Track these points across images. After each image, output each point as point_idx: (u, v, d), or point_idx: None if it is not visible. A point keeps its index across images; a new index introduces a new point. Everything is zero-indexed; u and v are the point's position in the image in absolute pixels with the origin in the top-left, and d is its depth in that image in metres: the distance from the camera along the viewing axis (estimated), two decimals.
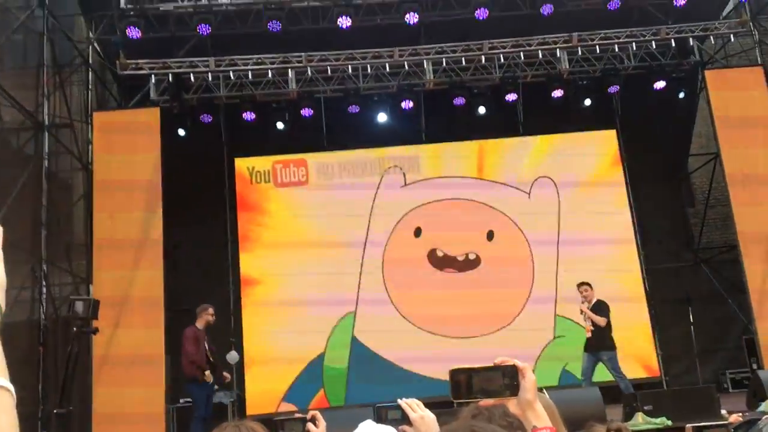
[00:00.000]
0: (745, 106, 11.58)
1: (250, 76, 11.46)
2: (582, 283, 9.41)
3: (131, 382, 10.31)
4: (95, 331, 2.18)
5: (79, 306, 2.43)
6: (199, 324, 9.09)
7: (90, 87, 12.21)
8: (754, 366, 11.31)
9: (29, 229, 10.52)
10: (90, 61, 12.06)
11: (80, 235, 11.95)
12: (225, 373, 9.20)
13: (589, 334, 9.08)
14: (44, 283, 10.61)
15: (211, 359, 9.04)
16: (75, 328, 2.40)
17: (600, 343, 9.04)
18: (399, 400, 2.45)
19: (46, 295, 10.63)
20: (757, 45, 12.35)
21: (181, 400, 11.12)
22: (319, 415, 2.77)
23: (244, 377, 11.35)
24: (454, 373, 1.67)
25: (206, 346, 9.05)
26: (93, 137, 11.54)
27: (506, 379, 1.65)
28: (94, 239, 11.00)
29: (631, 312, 11.88)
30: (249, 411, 11.07)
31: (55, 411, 2.14)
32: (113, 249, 10.82)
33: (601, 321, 9.01)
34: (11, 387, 1.26)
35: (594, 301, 9.27)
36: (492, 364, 1.67)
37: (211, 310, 9.12)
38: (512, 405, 1.66)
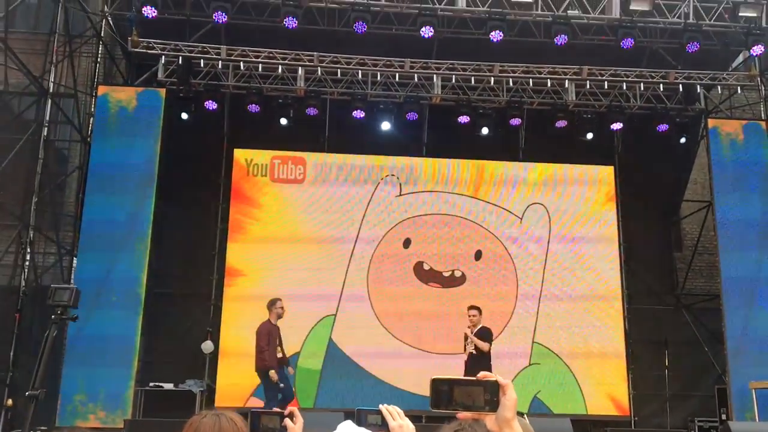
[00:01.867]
0: (744, 159, 11.72)
1: (259, 69, 11.48)
2: (471, 307, 9.63)
3: (102, 362, 10.26)
4: (75, 318, 2.20)
5: (62, 294, 2.43)
6: (272, 318, 9.38)
7: (98, 60, 12.20)
8: (723, 416, 11.39)
9: (21, 194, 10.48)
10: (102, 35, 12.04)
11: (70, 207, 11.90)
12: (289, 368, 9.71)
13: (467, 357, 9.26)
14: (29, 250, 10.56)
15: (281, 354, 9.41)
16: (53, 315, 2.39)
17: (478, 368, 9.02)
18: (380, 406, 2.46)
19: (29, 262, 10.57)
20: (762, 100, 12.50)
21: (151, 384, 11.07)
22: (297, 412, 2.77)
23: (216, 368, 11.29)
24: (436, 383, 1.68)
25: (279, 339, 9.26)
26: (95, 110, 11.52)
27: (487, 395, 1.66)
28: (84, 211, 10.97)
29: (608, 348, 11.95)
30: (217, 402, 11.00)
31: (27, 393, 2.13)
32: (102, 223, 10.79)
33: (484, 346, 9.20)
34: None
35: (479, 326, 9.41)
36: (474, 378, 1.69)
37: (279, 303, 9.36)
38: (490, 421, 1.67)
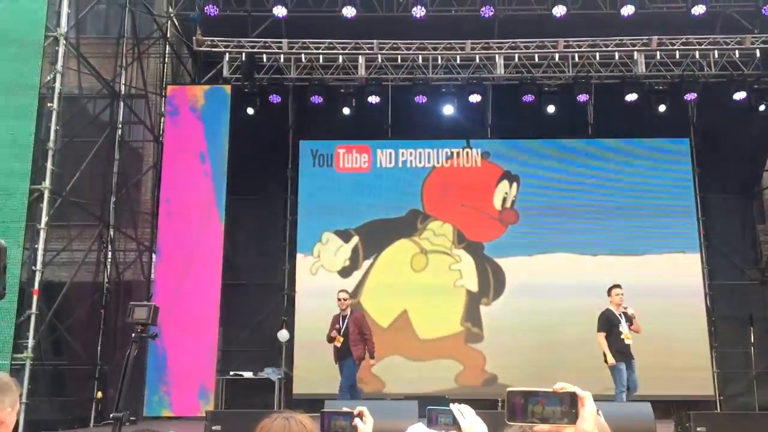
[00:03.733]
0: None
1: (320, 60, 11.54)
2: (617, 286, 8.88)
3: (186, 349, 10.62)
4: (155, 336, 2.23)
5: (141, 312, 2.48)
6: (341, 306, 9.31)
7: (166, 60, 12.52)
8: None
9: (100, 194, 10.89)
10: (168, 35, 12.34)
11: (147, 204, 12.30)
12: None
13: (631, 341, 8.62)
14: (110, 247, 10.99)
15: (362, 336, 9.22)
16: (134, 333, 2.45)
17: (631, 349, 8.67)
18: (451, 405, 2.44)
19: (111, 259, 11.00)
20: None
21: (231, 373, 11.40)
22: (366, 411, 2.77)
23: (293, 356, 11.52)
24: (511, 395, 1.65)
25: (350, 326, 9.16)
26: (165, 109, 11.85)
27: (564, 407, 1.62)
28: (160, 209, 11.34)
29: (690, 327, 11.58)
30: (295, 389, 11.24)
31: (111, 415, 2.19)
32: (177, 219, 11.14)
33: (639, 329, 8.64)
34: None
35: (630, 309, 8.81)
36: (551, 390, 1.65)
37: (339, 295, 9.28)
38: None
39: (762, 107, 11.65)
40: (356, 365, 9.13)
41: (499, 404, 10.20)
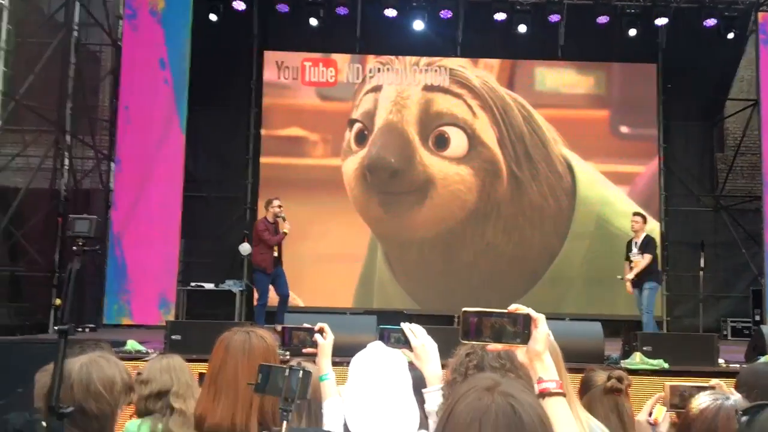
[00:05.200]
0: None
1: None
2: (635, 213, 9.55)
3: (146, 259, 10.60)
4: (98, 249, 2.17)
5: (82, 225, 2.39)
6: (269, 217, 9.33)
7: None
8: (757, 317, 11.39)
9: (55, 99, 10.52)
10: None
11: (105, 111, 11.95)
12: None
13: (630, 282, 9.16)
14: (66, 154, 10.72)
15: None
16: (75, 247, 2.37)
17: (647, 274, 9.09)
18: (402, 324, 2.48)
19: (68, 166, 10.76)
20: None
21: (192, 284, 11.46)
22: (327, 327, 2.82)
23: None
24: (466, 314, 1.67)
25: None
26: (123, 12, 11.35)
27: (518, 327, 1.65)
28: (119, 116, 11.04)
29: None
30: (256, 302, 11.34)
31: (56, 327, 2.15)
32: (136, 128, 10.88)
33: (647, 259, 9.08)
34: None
35: (643, 236, 9.26)
36: (506, 310, 1.67)
37: (275, 203, 9.28)
38: (520, 353, 1.66)
39: (731, 35, 11.65)
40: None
41: (455, 321, 10.49)
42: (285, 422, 2.04)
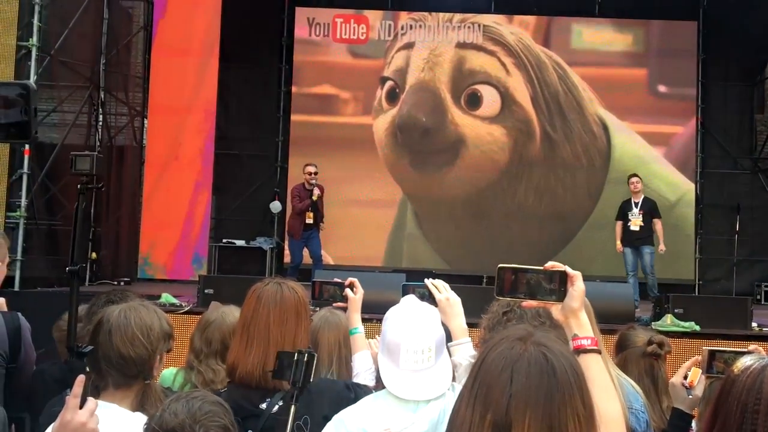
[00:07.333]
0: None
1: None
2: (634, 175, 9.38)
3: (179, 215, 10.75)
4: (101, 186, 2.17)
5: (84, 162, 2.40)
6: (306, 182, 9.36)
7: None
8: None
9: (89, 55, 10.58)
10: None
11: (138, 67, 11.99)
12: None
13: (638, 228, 8.99)
14: (100, 111, 10.83)
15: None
16: (79, 185, 2.38)
17: (647, 237, 9.01)
18: (426, 280, 2.48)
19: (102, 122, 10.87)
20: None
21: (224, 240, 11.60)
22: (357, 282, 2.83)
23: (285, 227, 11.64)
24: (501, 271, 1.67)
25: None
26: None
27: (553, 284, 1.64)
28: (151, 74, 11.09)
29: (677, 211, 11.72)
30: (286, 260, 11.46)
31: (67, 269, 2.18)
32: (169, 84, 10.93)
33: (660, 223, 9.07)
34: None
35: (642, 198, 9.15)
36: (542, 267, 1.66)
37: (307, 168, 9.28)
38: (556, 310, 1.66)
39: None
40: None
41: (484, 281, 10.49)
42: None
